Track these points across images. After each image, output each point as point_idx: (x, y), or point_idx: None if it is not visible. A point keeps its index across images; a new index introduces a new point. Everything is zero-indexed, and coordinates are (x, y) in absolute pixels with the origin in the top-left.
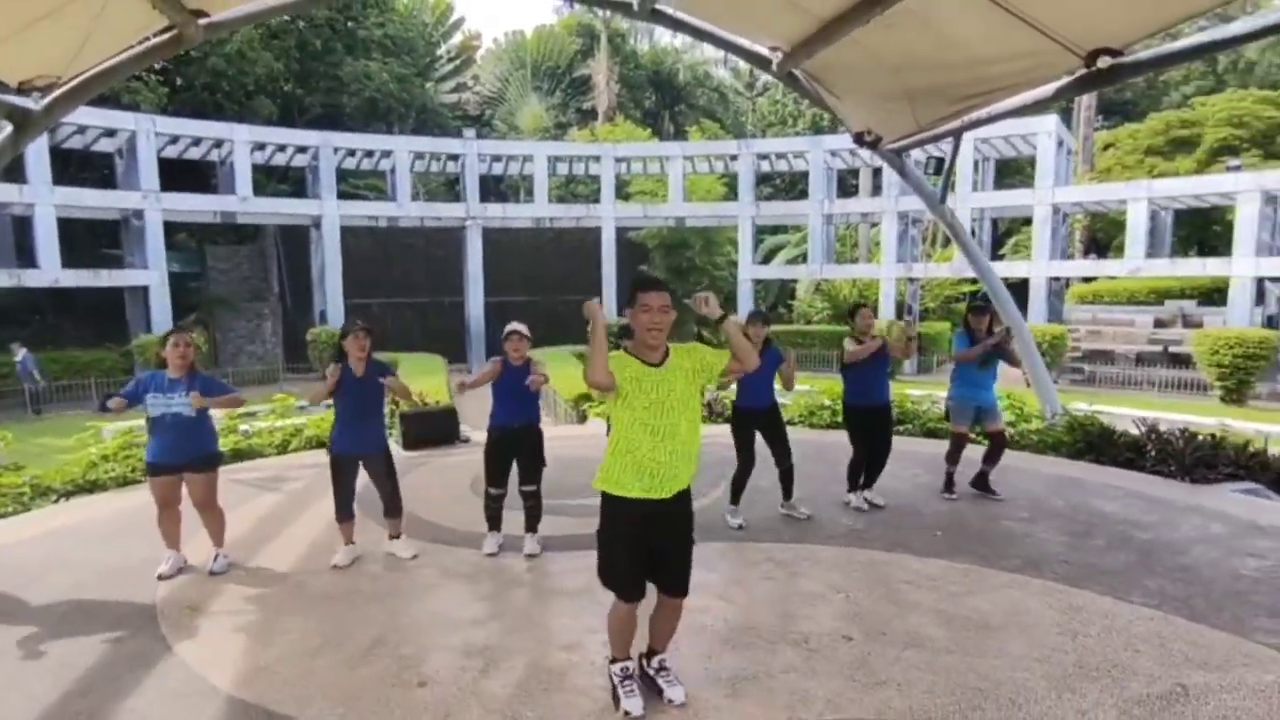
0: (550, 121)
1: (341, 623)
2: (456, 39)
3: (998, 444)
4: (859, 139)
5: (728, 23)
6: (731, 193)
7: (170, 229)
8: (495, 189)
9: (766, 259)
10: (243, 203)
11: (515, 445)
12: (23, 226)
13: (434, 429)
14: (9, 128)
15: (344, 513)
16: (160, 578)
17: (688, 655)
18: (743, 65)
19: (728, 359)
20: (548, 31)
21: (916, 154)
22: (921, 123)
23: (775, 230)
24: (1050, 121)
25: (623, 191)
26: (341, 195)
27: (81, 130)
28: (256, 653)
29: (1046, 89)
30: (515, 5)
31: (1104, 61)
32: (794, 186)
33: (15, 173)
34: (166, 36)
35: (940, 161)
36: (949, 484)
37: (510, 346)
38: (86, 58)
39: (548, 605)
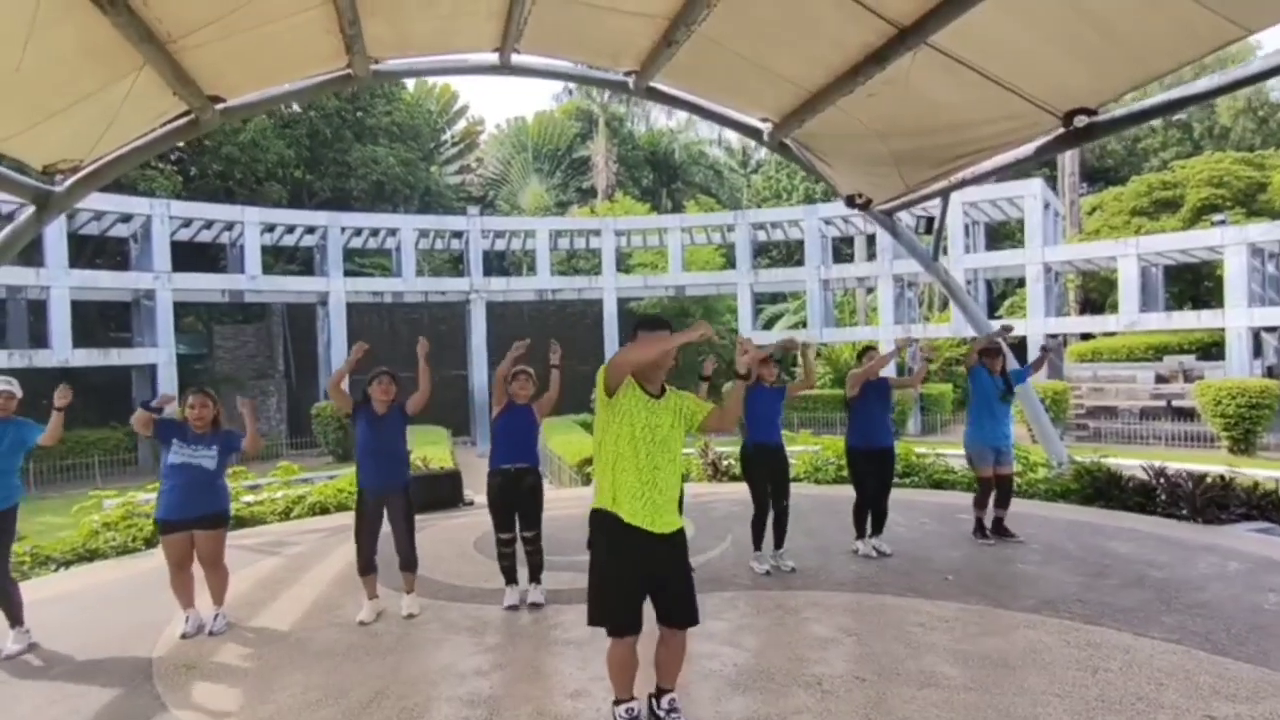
0: (551, 200)
1: (343, 677)
2: (460, 125)
3: (1006, 486)
4: (850, 201)
5: (719, 97)
6: (729, 263)
7: (179, 312)
8: (498, 266)
9: (768, 326)
10: (251, 281)
11: (515, 488)
12: (37, 310)
13: (437, 493)
14: (31, 209)
15: (367, 563)
16: (184, 637)
17: (697, 699)
18: (736, 143)
19: (708, 411)
20: (547, 116)
21: (907, 218)
22: (909, 184)
23: (774, 299)
24: (1035, 185)
25: (623, 264)
26: (348, 274)
27: (98, 216)
28: (254, 708)
29: (1028, 148)
30: (516, 93)
31: (1080, 120)
32: (791, 256)
33: (33, 256)
34: (184, 121)
35: (931, 220)
36: (979, 529)
37: (517, 387)
38: (108, 141)
39: (553, 654)
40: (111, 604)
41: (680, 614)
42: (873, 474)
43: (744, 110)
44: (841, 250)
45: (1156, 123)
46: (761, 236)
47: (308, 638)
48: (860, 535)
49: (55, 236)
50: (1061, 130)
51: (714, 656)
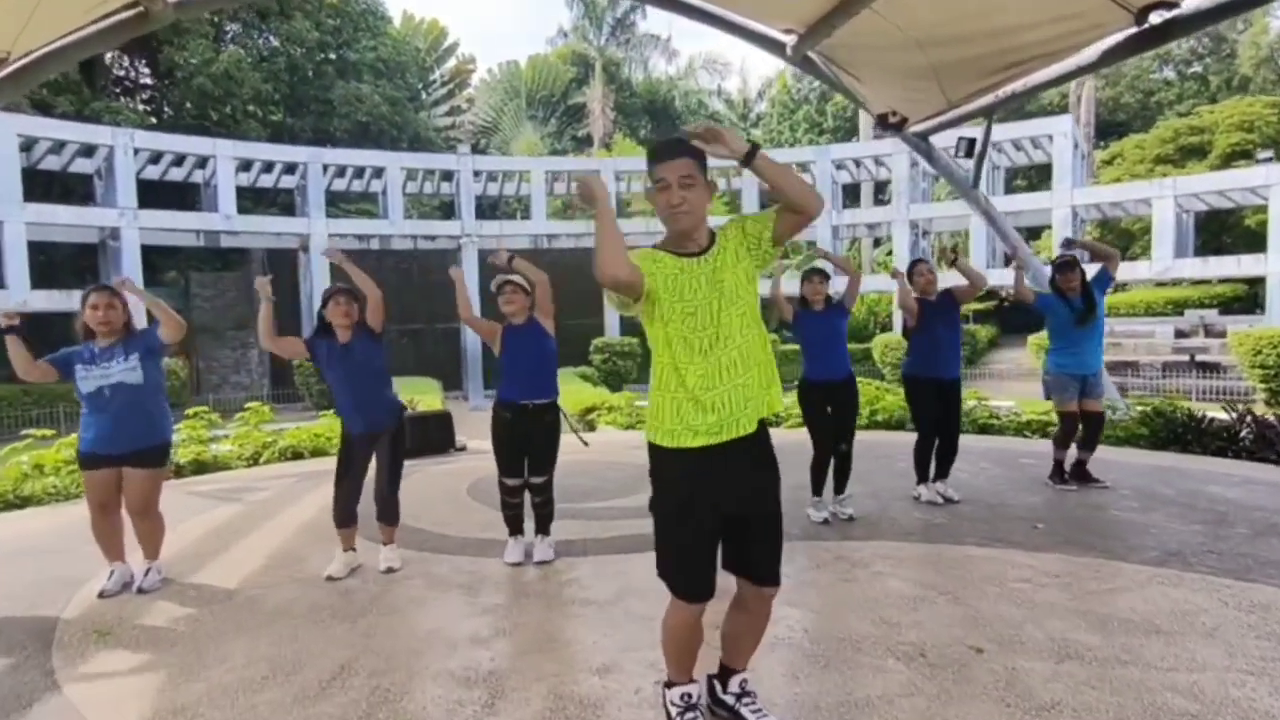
0: (546, 149)
1: (299, 646)
2: (450, 63)
3: (1095, 425)
4: (882, 121)
5: (738, 4)
6: (734, 211)
7: (155, 259)
8: (490, 215)
9: (769, 275)
10: (227, 221)
11: (529, 426)
12: None
13: (427, 436)
14: None
15: (346, 513)
16: (102, 595)
17: (765, 677)
18: (736, 95)
19: (772, 217)
20: (541, 60)
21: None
22: (951, 99)
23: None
24: (1065, 122)
25: (623, 210)
26: (330, 219)
27: (58, 149)
28: (176, 689)
29: (1090, 53)
30: (508, 35)
31: (1157, 16)
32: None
33: None
34: (131, 14)
35: (971, 143)
36: (1058, 472)
37: (504, 303)
38: (39, 32)
39: (570, 619)
40: (28, 556)
41: (763, 567)
42: (938, 408)
43: (765, 20)
44: (847, 201)
45: (1171, 74)
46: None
47: (259, 596)
48: (923, 479)
49: (7, 165)
50: (1133, 30)
51: (778, 620)
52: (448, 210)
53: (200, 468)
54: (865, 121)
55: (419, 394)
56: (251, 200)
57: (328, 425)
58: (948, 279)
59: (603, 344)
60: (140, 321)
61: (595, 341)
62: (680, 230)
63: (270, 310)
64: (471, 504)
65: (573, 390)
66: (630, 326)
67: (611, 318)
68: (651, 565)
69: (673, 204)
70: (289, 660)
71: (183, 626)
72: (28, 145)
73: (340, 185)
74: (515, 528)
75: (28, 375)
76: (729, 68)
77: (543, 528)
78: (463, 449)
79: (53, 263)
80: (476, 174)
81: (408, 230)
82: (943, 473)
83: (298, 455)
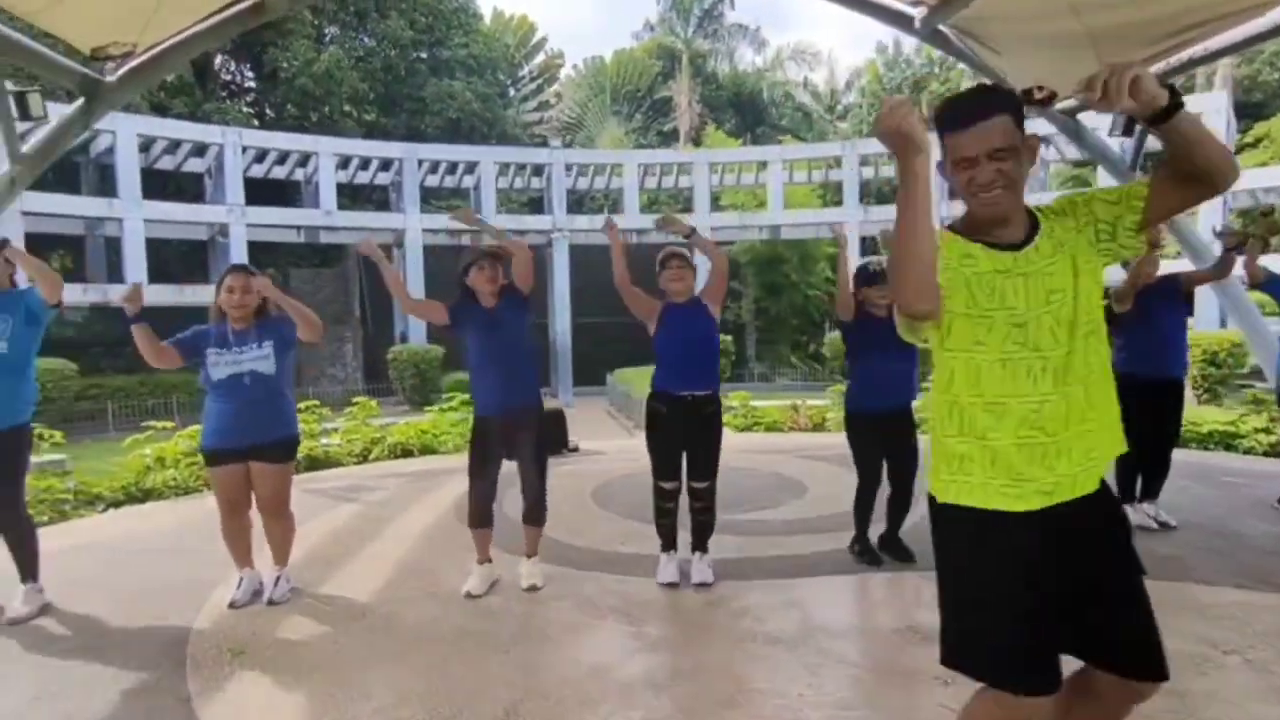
0: (631, 144)
1: (451, 683)
2: (539, 59)
3: None
4: (1027, 97)
5: None
6: (825, 204)
7: (258, 259)
8: (577, 210)
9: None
10: (327, 216)
11: (688, 421)
12: (114, 247)
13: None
14: (79, 100)
15: (483, 512)
16: (233, 606)
17: None
18: (823, 87)
19: (1140, 194)
20: (627, 55)
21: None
22: None
23: (875, 247)
24: (1219, 99)
25: (716, 204)
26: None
27: (173, 149)
28: None
29: None
30: (595, 29)
31: None
32: (886, 200)
33: (107, 188)
34: (249, 3)
35: (1132, 123)
36: None
37: (670, 278)
38: (163, 24)
39: (757, 661)
40: (155, 556)
41: (1137, 656)
42: (1150, 415)
43: None
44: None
45: None
46: (868, 174)
47: (395, 614)
48: (1128, 498)
49: (127, 167)
50: None
51: None
52: (533, 206)
53: (313, 464)
54: None
55: None
56: (348, 198)
57: (432, 422)
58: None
59: None
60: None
61: None
62: (993, 217)
63: (393, 269)
64: (600, 512)
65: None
66: (725, 324)
67: None
68: (828, 590)
69: (981, 185)
70: (442, 698)
71: (319, 648)
72: (146, 145)
73: (433, 181)
74: (669, 542)
75: (156, 360)
76: (818, 58)
77: (700, 542)
78: (575, 449)
79: (165, 259)
80: (568, 168)
81: (500, 225)
82: (1152, 492)
83: (407, 453)
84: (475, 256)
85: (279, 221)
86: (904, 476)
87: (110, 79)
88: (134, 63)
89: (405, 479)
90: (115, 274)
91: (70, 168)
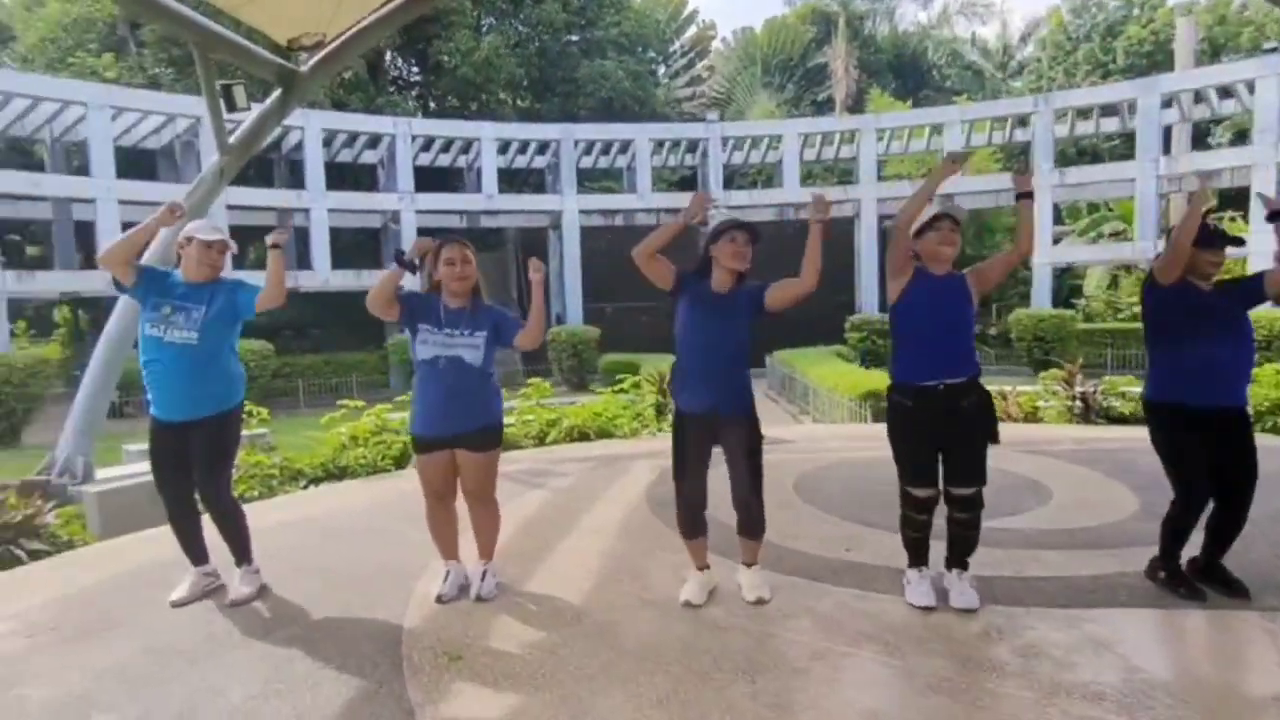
0: (783, 116)
1: (695, 713)
2: (690, 32)
3: None
4: None
5: None
6: (1006, 169)
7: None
8: (729, 186)
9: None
10: (489, 200)
11: (948, 412)
12: (302, 237)
13: None
14: (277, 91)
15: (696, 520)
16: (440, 600)
17: None
18: (995, 42)
19: None
20: (778, 23)
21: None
22: None
23: (1058, 215)
24: None
25: (883, 174)
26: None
27: (350, 142)
28: None
29: None
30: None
31: None
32: (1083, 157)
33: (296, 181)
34: None
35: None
36: None
37: (939, 240)
38: (348, 13)
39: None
40: (357, 537)
41: None
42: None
43: None
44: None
45: None
46: (1060, 131)
47: (614, 623)
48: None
49: (314, 159)
50: None
51: None
52: (685, 184)
53: None
54: (1185, 50)
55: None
56: (505, 183)
57: (604, 404)
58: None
59: (861, 321)
60: None
61: (852, 318)
62: None
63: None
64: (810, 509)
65: (838, 370)
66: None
67: (867, 293)
68: (1141, 628)
69: None
70: None
71: (537, 659)
72: (329, 139)
73: (587, 163)
74: (919, 557)
75: (385, 307)
76: (990, 9)
77: (959, 559)
78: (761, 438)
79: (343, 248)
80: (723, 142)
81: (655, 204)
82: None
83: (583, 436)
84: (731, 224)
85: (445, 207)
86: (1239, 492)
87: (303, 69)
88: (323, 52)
89: (588, 464)
90: (303, 261)
91: (265, 164)
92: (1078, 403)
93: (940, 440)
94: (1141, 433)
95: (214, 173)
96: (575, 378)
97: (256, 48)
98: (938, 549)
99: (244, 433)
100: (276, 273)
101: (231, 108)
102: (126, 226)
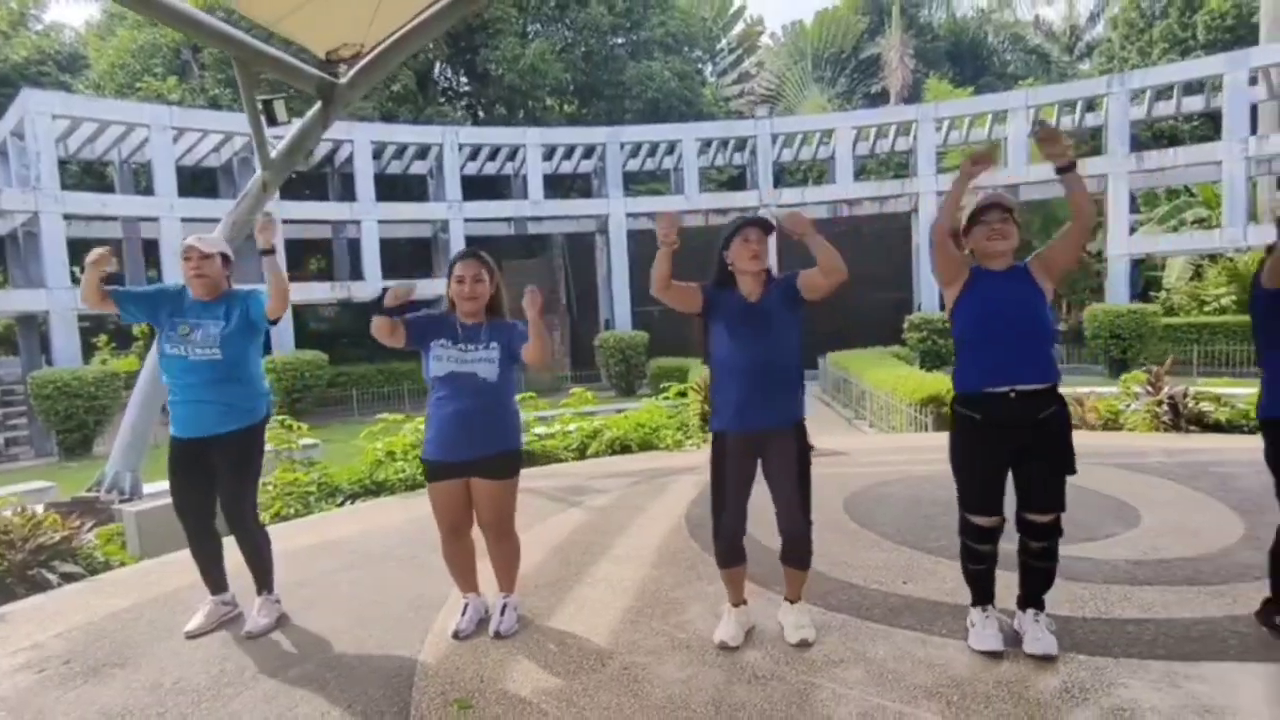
0: (835, 110)
1: None
2: (738, 29)
3: None
4: None
5: None
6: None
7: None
8: (778, 183)
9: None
10: (535, 206)
11: (1010, 429)
12: (354, 249)
13: None
14: (317, 104)
15: (732, 549)
16: (457, 636)
17: None
18: (1060, 24)
19: None
20: (829, 14)
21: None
22: None
23: (1134, 202)
24: None
25: (941, 165)
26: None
27: (399, 153)
28: None
29: None
30: None
31: None
32: (1159, 140)
33: (348, 194)
34: None
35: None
36: None
37: (988, 235)
38: (385, 22)
39: None
40: (384, 565)
41: None
42: None
43: None
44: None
45: None
46: (1135, 114)
47: (640, 668)
48: None
49: (364, 171)
50: None
51: None
52: (734, 184)
53: (530, 459)
54: (1272, 22)
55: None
56: (552, 188)
57: (648, 412)
58: None
59: (920, 320)
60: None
61: (910, 318)
62: None
63: (668, 254)
64: (862, 533)
65: (899, 375)
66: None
67: (926, 293)
68: (1259, 686)
69: None
70: None
71: (556, 710)
72: (378, 152)
73: (633, 165)
74: (984, 594)
75: (388, 335)
76: None
77: (1034, 597)
78: (811, 449)
79: (395, 259)
80: (773, 138)
81: (703, 205)
82: None
83: (625, 448)
84: (740, 223)
85: (492, 215)
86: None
87: (342, 81)
88: (361, 63)
89: (628, 480)
90: (356, 272)
91: (319, 179)
92: (1165, 408)
93: (1011, 459)
94: (1242, 443)
95: (257, 186)
96: (624, 383)
97: (297, 61)
98: (1008, 581)
99: (300, 443)
100: (274, 279)
101: (272, 122)
102: None
